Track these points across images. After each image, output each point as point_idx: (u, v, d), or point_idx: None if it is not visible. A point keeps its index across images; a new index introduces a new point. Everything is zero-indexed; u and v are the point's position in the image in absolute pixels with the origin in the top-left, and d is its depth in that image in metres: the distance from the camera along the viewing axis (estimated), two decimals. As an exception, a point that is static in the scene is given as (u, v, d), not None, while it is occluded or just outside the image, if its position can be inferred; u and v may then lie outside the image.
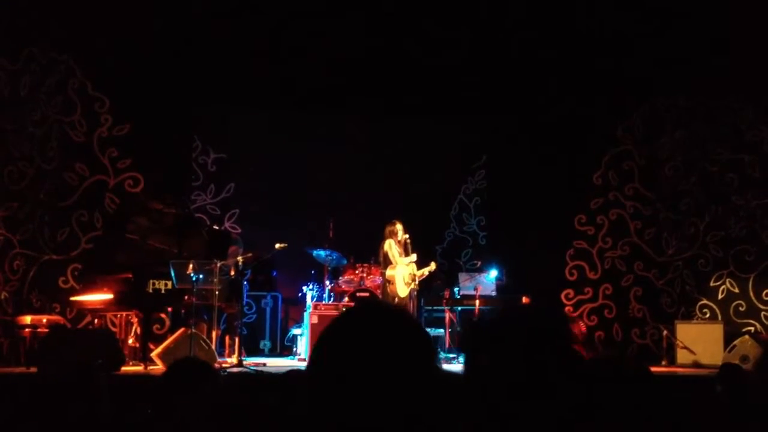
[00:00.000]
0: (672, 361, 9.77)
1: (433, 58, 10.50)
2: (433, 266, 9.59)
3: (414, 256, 9.27)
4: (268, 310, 10.82)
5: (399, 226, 9.31)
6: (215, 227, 10.34)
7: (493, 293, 10.23)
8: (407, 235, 9.31)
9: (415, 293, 9.51)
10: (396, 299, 9.18)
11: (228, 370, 8.23)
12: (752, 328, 10.09)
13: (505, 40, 10.40)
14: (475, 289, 10.08)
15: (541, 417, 1.96)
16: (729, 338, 9.62)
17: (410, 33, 10.30)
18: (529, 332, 2.03)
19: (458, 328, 10.03)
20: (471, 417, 2.01)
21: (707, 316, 10.45)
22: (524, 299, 10.00)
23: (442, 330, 10.27)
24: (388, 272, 9.22)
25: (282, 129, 10.86)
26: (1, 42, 9.94)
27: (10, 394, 5.90)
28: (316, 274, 10.43)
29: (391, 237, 9.27)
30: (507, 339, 2.01)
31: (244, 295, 9.57)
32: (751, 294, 10.35)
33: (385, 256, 9.29)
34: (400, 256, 9.27)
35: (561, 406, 1.98)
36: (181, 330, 8.59)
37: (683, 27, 10.08)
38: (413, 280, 9.26)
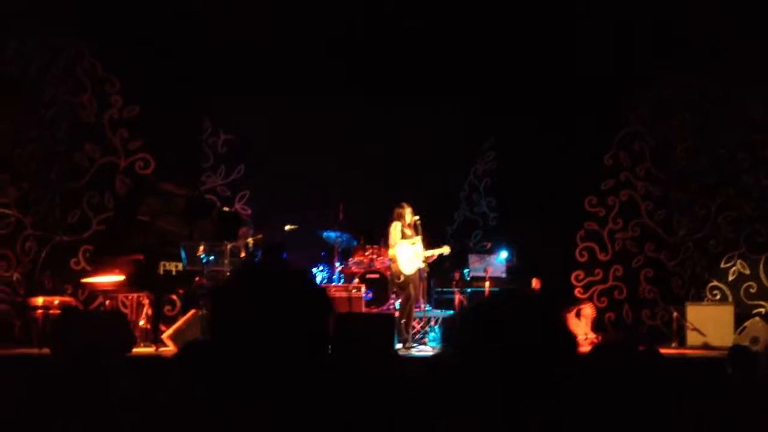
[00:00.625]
0: (682, 343, 9.76)
1: (442, 39, 10.47)
2: (446, 249, 9.51)
3: (418, 238, 9.22)
4: (278, 291, 10.82)
5: (407, 209, 9.26)
6: (225, 209, 10.36)
7: (503, 275, 10.20)
8: (417, 217, 9.28)
9: (425, 274, 9.47)
10: (402, 277, 9.14)
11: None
12: (763, 310, 10.07)
13: (514, 20, 10.36)
14: (485, 270, 10.06)
15: (532, 406, 1.97)
16: (739, 320, 9.61)
17: (417, 14, 10.29)
18: (516, 320, 2.03)
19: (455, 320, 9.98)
20: (461, 406, 2.02)
21: (718, 297, 10.43)
22: (534, 281, 9.99)
23: (452, 311, 10.27)
24: (391, 251, 9.23)
25: (292, 110, 10.83)
26: (11, 24, 9.95)
27: (23, 374, 5.95)
28: (327, 255, 10.44)
29: (398, 219, 9.23)
30: (494, 328, 2.02)
31: (255, 277, 9.57)
32: (762, 275, 10.33)
33: (390, 237, 9.29)
34: (408, 238, 9.23)
35: (554, 393, 1.99)
36: (192, 312, 8.63)
37: (693, 8, 10.04)
38: (424, 258, 9.20)
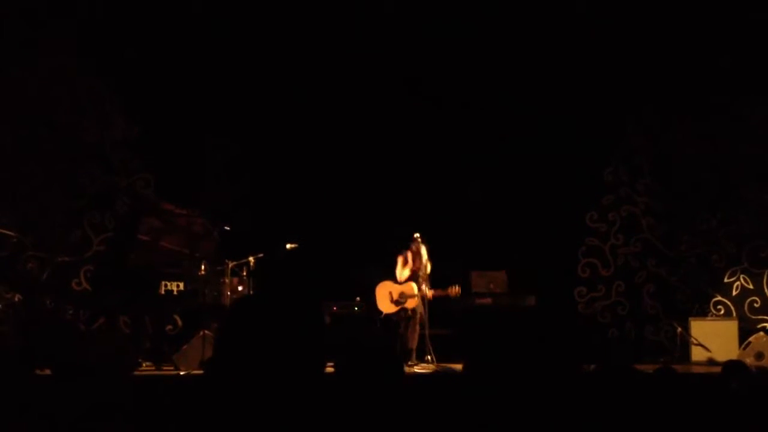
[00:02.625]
0: (686, 359, 9.72)
1: (438, 52, 10.54)
2: (455, 290, 9.45)
3: (423, 266, 9.28)
4: (280, 309, 10.75)
5: (416, 241, 9.36)
6: (227, 228, 10.32)
7: (506, 291, 10.16)
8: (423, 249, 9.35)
9: (425, 303, 9.35)
10: (383, 314, 9.37)
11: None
12: (767, 325, 10.04)
13: (513, 34, 10.41)
14: (487, 287, 10.03)
15: (536, 415, 1.97)
16: (744, 335, 9.59)
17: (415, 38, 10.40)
18: (523, 336, 2.03)
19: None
20: (471, 415, 2.02)
21: (721, 312, 10.40)
22: (532, 299, 9.93)
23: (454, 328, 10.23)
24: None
25: (295, 126, 10.83)
26: (11, 43, 9.99)
27: (26, 396, 5.91)
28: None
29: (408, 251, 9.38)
30: (503, 342, 2.02)
31: (257, 296, 9.55)
32: (766, 290, 10.33)
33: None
34: (410, 268, 9.31)
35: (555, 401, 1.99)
36: (197, 332, 8.61)
37: (694, 21, 10.11)
38: (401, 297, 9.28)
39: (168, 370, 8.23)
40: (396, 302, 9.27)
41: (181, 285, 8.76)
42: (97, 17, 10.08)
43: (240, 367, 1.99)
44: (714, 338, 9.60)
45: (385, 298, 9.34)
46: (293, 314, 2.06)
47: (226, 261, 9.04)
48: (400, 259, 9.40)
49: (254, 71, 10.56)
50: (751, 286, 10.38)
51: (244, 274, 9.11)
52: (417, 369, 8.86)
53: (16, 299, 9.69)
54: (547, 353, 2.10)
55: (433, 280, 9.50)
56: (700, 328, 9.79)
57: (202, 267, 8.76)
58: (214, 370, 2.10)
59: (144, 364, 8.60)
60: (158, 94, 10.24)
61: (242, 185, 10.80)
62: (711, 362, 9.33)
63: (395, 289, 9.32)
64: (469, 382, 2.13)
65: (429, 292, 9.25)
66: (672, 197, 10.71)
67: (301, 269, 9.42)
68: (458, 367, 8.84)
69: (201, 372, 7.71)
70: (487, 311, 9.84)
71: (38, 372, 7.99)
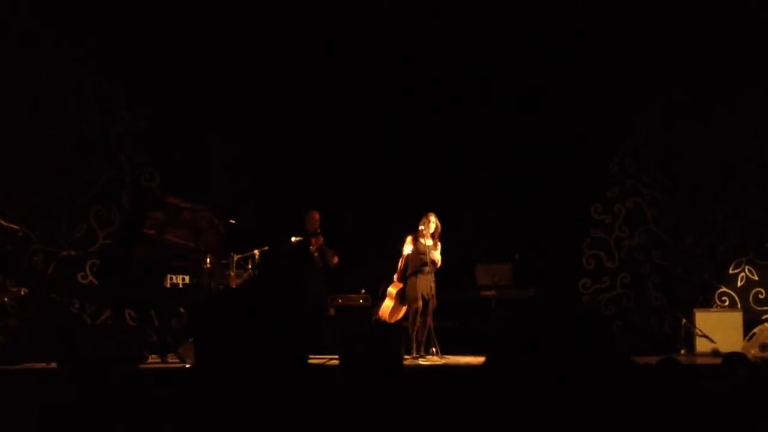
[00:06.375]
0: (691, 350, 9.74)
1: (443, 45, 10.55)
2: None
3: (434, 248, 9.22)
4: (285, 302, 10.77)
5: (429, 220, 9.23)
6: (231, 221, 10.35)
7: (510, 284, 10.16)
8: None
9: (432, 283, 9.32)
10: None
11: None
12: (772, 316, 10.06)
13: (523, 27, 10.41)
14: (492, 279, 10.03)
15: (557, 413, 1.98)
16: (748, 326, 9.59)
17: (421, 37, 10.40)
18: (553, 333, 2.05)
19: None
20: (490, 411, 2.03)
21: (726, 303, 10.41)
22: (533, 291, 9.91)
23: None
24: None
25: (298, 122, 10.85)
26: (17, 40, 10.02)
27: (32, 389, 5.96)
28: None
29: (417, 232, 9.28)
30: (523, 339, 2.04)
31: (262, 289, 9.56)
32: (771, 281, 10.33)
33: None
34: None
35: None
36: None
37: (701, 14, 10.10)
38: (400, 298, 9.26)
39: (173, 363, 8.26)
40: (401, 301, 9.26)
41: (187, 278, 8.78)
42: (103, 13, 10.10)
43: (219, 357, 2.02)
44: (719, 329, 9.60)
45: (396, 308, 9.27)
46: (272, 306, 2.09)
47: (231, 254, 9.08)
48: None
49: (259, 65, 10.58)
50: (756, 278, 10.39)
51: (249, 267, 9.13)
52: (422, 362, 8.85)
53: (23, 293, 9.73)
54: (553, 345, 2.12)
55: (439, 275, 9.46)
56: (704, 320, 9.78)
57: (208, 260, 8.79)
58: (200, 360, 2.13)
59: (149, 358, 8.64)
60: (163, 89, 10.28)
61: (247, 179, 10.85)
62: (715, 353, 9.33)
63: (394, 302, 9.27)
64: (489, 375, 2.16)
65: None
66: (677, 189, 10.71)
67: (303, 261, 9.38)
68: (465, 359, 8.90)
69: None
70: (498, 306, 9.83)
71: (44, 365, 8.06)
